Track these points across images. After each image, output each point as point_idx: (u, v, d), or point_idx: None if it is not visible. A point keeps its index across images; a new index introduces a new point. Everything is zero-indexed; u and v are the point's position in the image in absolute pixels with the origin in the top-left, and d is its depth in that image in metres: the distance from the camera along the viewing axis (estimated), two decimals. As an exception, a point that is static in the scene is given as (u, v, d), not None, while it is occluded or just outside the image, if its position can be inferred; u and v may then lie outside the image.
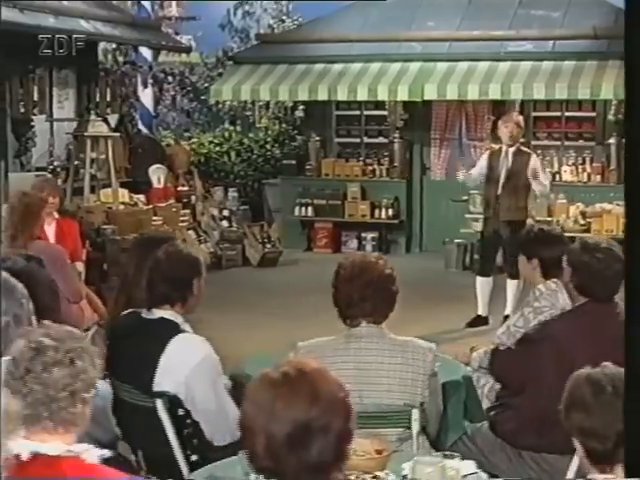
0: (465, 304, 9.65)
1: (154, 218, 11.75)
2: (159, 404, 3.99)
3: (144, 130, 15.02)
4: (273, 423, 2.31)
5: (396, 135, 13.88)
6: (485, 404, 4.90)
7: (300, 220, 14.12)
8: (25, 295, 3.42)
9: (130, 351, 4.10)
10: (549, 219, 12.22)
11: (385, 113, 13.96)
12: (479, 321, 9.44)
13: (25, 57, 11.25)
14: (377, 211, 13.83)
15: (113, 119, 13.53)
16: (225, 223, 13.44)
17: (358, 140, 14.40)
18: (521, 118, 9.65)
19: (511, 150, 9.24)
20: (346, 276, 4.01)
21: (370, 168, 14.03)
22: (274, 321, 9.33)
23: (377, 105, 13.84)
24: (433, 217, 13.87)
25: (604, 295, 4.20)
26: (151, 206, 12.15)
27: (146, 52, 15.03)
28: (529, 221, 9.59)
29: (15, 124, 12.12)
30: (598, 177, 12.96)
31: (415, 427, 3.90)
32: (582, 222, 12.26)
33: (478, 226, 11.81)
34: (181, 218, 12.48)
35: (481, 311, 9.49)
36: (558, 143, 13.41)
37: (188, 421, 4.05)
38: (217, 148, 15.85)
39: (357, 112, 14.26)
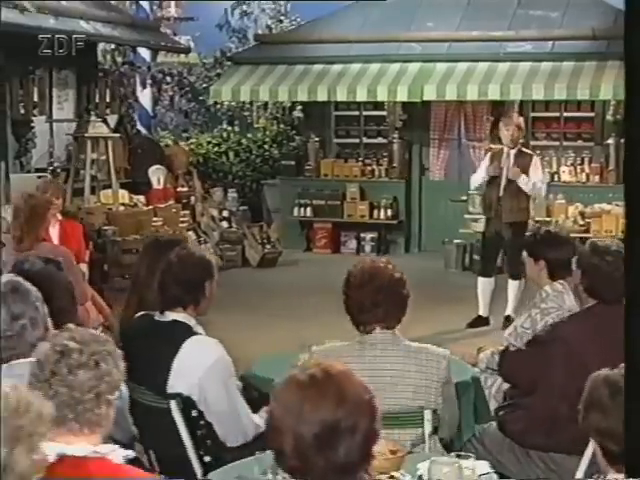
0: (465, 304, 9.68)
1: (154, 219, 11.74)
2: (173, 405, 4.02)
3: (142, 131, 15.04)
4: (301, 424, 2.35)
5: (395, 135, 13.92)
6: (492, 405, 4.95)
7: (299, 220, 14.15)
8: (39, 298, 3.45)
9: (143, 353, 4.12)
10: (548, 219, 12.25)
11: (384, 113, 13.98)
12: (480, 321, 9.46)
13: (25, 58, 11.27)
14: (376, 211, 13.85)
15: (112, 120, 13.54)
16: (225, 224, 13.47)
17: (357, 140, 14.43)
18: (522, 120, 9.68)
19: (512, 152, 9.26)
20: (356, 283, 4.02)
21: (369, 168, 14.06)
22: (278, 322, 9.35)
23: (376, 105, 13.87)
24: (432, 217, 13.90)
25: (613, 297, 4.24)
26: (151, 207, 12.15)
27: (145, 53, 15.02)
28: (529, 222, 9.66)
29: (15, 125, 12.13)
30: (597, 177, 13.00)
31: (427, 428, 3.93)
32: (581, 222, 12.29)
33: (477, 226, 11.87)
34: (181, 219, 12.49)
35: (482, 311, 9.51)
36: (557, 143, 13.45)
37: (201, 422, 4.08)
38: (215, 148, 15.88)
39: (356, 112, 14.29)
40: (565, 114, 13.35)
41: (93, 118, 12.07)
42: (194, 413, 4.06)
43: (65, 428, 2.61)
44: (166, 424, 4.04)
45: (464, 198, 12.75)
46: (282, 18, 17.88)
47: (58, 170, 12.43)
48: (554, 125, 13.48)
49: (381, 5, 13.40)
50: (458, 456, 3.36)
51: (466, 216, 12.71)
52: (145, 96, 15.19)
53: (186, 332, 4.12)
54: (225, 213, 13.66)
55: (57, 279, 3.88)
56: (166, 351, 4.08)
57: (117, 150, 12.62)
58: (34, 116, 12.35)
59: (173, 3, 15.93)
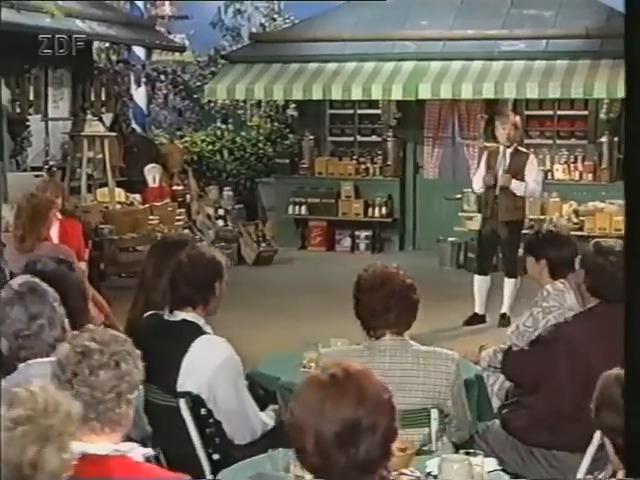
0: (461, 302, 9.71)
1: (150, 217, 11.79)
2: (182, 404, 4.06)
3: (137, 129, 15.06)
4: (322, 423, 2.40)
5: (389, 134, 13.95)
6: (495, 402, 5.00)
7: (294, 219, 14.17)
8: (57, 299, 3.50)
9: (152, 353, 4.13)
10: (542, 217, 12.30)
11: (379, 112, 14.01)
12: (476, 319, 9.50)
13: (21, 57, 11.28)
14: (370, 209, 13.87)
15: (107, 118, 13.57)
16: (220, 222, 13.49)
17: (352, 139, 14.45)
18: (518, 119, 9.68)
19: (509, 151, 9.28)
20: (367, 287, 4.02)
21: (363, 167, 14.08)
22: (275, 320, 9.40)
23: (371, 104, 13.88)
24: (426, 215, 13.94)
25: (616, 297, 4.27)
26: (148, 205, 12.18)
27: (139, 51, 15.05)
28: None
29: (11, 124, 12.15)
30: (590, 175, 13.04)
31: (434, 427, 3.97)
32: (575, 220, 12.34)
33: (472, 224, 11.92)
34: (177, 217, 12.52)
35: (478, 309, 9.55)
36: (550, 142, 13.48)
37: (210, 420, 4.13)
38: (210, 147, 15.90)
39: (351, 111, 14.32)
40: (559, 112, 13.39)
41: (89, 117, 12.12)
42: (203, 411, 4.11)
43: (87, 427, 2.66)
44: (175, 422, 4.08)
45: (458, 196, 12.81)
46: (275, 16, 17.89)
47: (54, 169, 12.46)
48: (548, 123, 13.53)
49: (375, 4, 13.43)
50: (467, 453, 3.41)
51: (460, 214, 12.77)
52: (140, 94, 15.22)
53: (195, 331, 4.17)
54: (221, 211, 13.68)
55: (70, 279, 3.93)
56: (176, 350, 4.13)
57: (113, 149, 12.65)
58: (30, 115, 12.37)
59: (167, 2, 15.95)
